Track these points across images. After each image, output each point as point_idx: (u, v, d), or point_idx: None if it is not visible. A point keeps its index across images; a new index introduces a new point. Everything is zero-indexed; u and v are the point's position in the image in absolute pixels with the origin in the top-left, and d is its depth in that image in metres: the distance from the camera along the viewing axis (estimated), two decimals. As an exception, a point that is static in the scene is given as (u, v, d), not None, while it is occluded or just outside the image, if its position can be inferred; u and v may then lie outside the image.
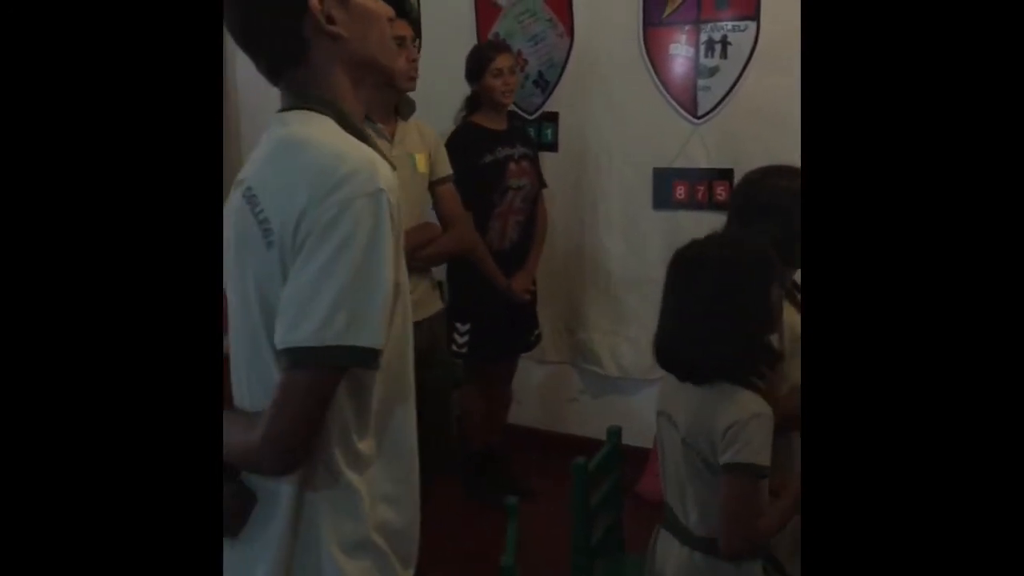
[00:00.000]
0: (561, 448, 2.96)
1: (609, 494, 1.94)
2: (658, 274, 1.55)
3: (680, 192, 2.99)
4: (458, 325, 2.83)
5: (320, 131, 1.00)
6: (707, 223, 1.72)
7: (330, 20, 1.01)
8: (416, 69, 2.33)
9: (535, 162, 2.91)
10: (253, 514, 1.02)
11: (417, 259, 2.26)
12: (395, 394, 1.07)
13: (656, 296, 1.53)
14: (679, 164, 2.98)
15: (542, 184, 2.94)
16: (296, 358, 0.93)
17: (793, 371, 1.53)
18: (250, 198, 0.99)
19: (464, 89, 2.83)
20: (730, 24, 2.85)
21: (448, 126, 2.81)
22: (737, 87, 2.87)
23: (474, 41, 3.13)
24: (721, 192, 2.92)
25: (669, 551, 1.55)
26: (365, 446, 1.03)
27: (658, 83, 2.97)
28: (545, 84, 3.16)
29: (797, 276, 1.65)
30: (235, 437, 0.97)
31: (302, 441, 0.96)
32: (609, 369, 3.20)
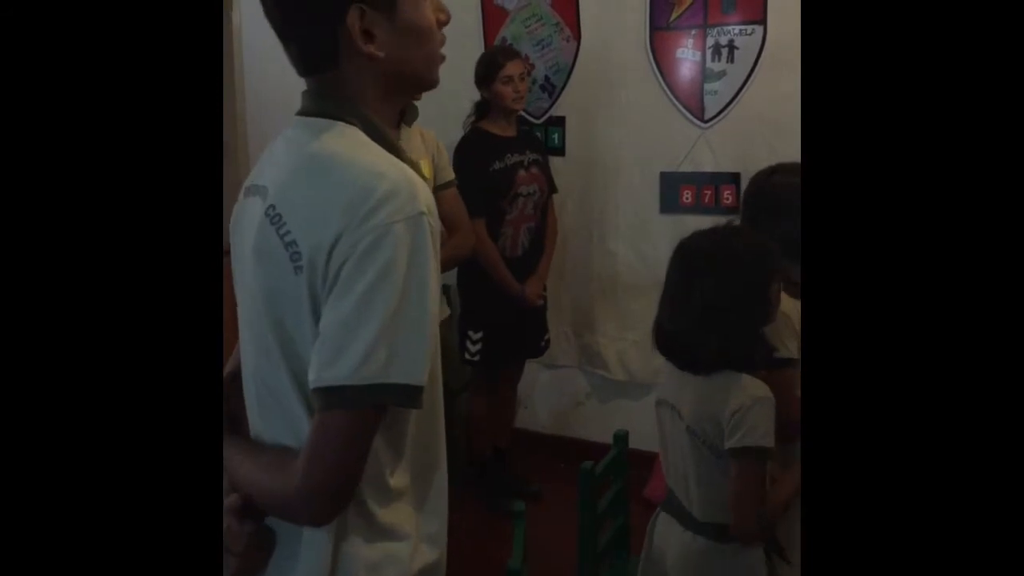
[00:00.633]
0: (568, 452, 2.97)
1: (616, 498, 1.94)
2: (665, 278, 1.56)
3: (687, 196, 2.99)
4: (470, 333, 2.84)
5: (353, 146, 0.92)
6: (713, 227, 1.72)
7: (369, 36, 0.92)
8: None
9: (545, 168, 2.91)
10: (273, 557, 0.96)
11: None
12: (427, 426, 1.00)
13: (663, 300, 1.54)
14: (686, 168, 2.98)
15: (552, 190, 2.94)
16: (333, 398, 0.86)
17: None
18: (274, 217, 0.92)
19: (469, 92, 2.83)
20: (737, 28, 2.85)
21: (451, 129, 2.82)
22: (744, 91, 2.87)
23: (481, 45, 3.14)
24: (728, 196, 2.92)
25: (670, 534, 1.57)
26: (397, 480, 0.96)
27: (665, 87, 2.97)
28: (552, 88, 3.16)
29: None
30: (262, 479, 0.91)
31: (343, 489, 0.89)
32: (616, 373, 3.20)
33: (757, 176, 1.73)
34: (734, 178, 2.89)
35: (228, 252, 1.00)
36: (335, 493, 0.89)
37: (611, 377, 3.21)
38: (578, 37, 3.09)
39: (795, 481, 1.46)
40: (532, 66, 3.13)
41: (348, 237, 0.85)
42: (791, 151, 1.83)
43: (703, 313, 1.44)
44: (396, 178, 0.87)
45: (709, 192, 2.96)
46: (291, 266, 0.89)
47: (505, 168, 2.75)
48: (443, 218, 2.44)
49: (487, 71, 2.75)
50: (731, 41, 2.86)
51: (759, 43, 2.83)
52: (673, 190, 3.01)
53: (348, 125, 0.94)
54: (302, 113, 0.98)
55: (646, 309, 3.10)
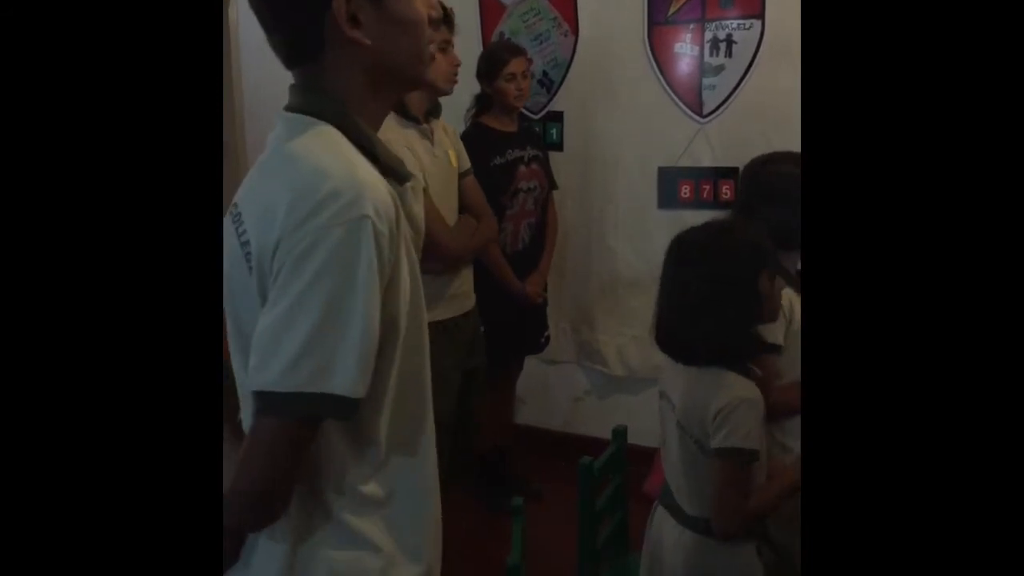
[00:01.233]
0: (567, 448, 2.96)
1: (615, 494, 1.94)
2: (663, 273, 1.56)
3: (685, 191, 2.99)
4: None
5: (320, 145, 0.89)
6: (712, 223, 1.72)
7: (355, 22, 0.90)
8: (457, 72, 2.37)
9: (545, 164, 2.90)
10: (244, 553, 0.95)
11: (469, 253, 2.43)
12: (411, 432, 0.96)
13: (662, 295, 1.54)
14: (684, 163, 2.97)
15: (553, 186, 2.94)
16: (264, 403, 0.84)
17: (797, 358, 1.55)
18: (235, 216, 0.91)
19: (467, 86, 2.82)
20: (735, 22, 2.84)
21: (451, 122, 2.80)
22: (742, 86, 2.86)
23: (479, 40, 3.13)
24: (726, 191, 2.92)
25: (665, 527, 1.59)
26: (372, 489, 0.93)
27: (663, 82, 2.97)
28: (550, 83, 3.15)
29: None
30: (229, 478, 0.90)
31: (271, 495, 0.87)
32: (615, 369, 3.20)
33: (752, 163, 1.74)
34: (732, 173, 2.88)
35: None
36: (261, 498, 0.87)
37: (610, 373, 3.21)
38: (576, 32, 3.08)
39: (783, 483, 1.46)
40: (529, 60, 3.13)
41: (287, 240, 0.82)
42: (789, 145, 1.83)
43: (695, 306, 1.45)
44: (341, 178, 0.84)
45: (708, 187, 2.96)
46: (246, 265, 0.88)
47: (506, 164, 2.74)
48: (468, 204, 2.48)
49: (490, 67, 2.73)
50: (729, 35, 2.86)
51: (757, 37, 2.82)
52: (671, 185, 3.01)
53: (325, 124, 0.91)
54: (287, 108, 0.96)
55: (645, 305, 3.08)
